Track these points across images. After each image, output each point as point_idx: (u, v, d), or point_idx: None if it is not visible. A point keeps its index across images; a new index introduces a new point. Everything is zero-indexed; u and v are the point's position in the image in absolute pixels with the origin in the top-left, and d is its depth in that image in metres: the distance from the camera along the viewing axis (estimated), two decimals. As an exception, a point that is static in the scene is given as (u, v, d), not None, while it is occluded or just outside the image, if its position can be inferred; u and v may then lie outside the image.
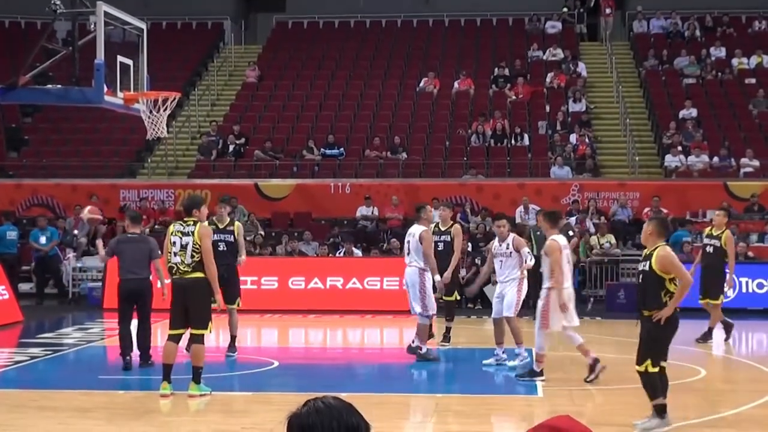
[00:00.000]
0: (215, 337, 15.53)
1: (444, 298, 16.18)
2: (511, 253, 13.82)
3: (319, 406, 3.21)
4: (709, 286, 16.64)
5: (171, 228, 11.77)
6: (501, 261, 13.99)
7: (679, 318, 10.14)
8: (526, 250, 13.99)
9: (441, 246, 15.87)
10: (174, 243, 11.52)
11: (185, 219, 11.75)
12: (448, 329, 16.32)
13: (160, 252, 13.37)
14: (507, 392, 12.68)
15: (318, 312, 20.97)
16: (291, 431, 3.20)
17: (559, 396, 12.25)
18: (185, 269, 11.44)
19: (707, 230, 17.35)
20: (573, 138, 28.77)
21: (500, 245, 14.01)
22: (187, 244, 11.43)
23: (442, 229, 16.02)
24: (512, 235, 14.10)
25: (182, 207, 12.36)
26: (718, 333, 16.83)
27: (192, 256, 11.41)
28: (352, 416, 3.23)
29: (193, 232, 11.47)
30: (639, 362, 10.00)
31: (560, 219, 13.89)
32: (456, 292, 16.62)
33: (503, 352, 14.16)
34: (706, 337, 16.70)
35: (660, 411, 9.97)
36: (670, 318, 10.07)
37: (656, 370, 10.02)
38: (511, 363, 13.98)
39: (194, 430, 10.56)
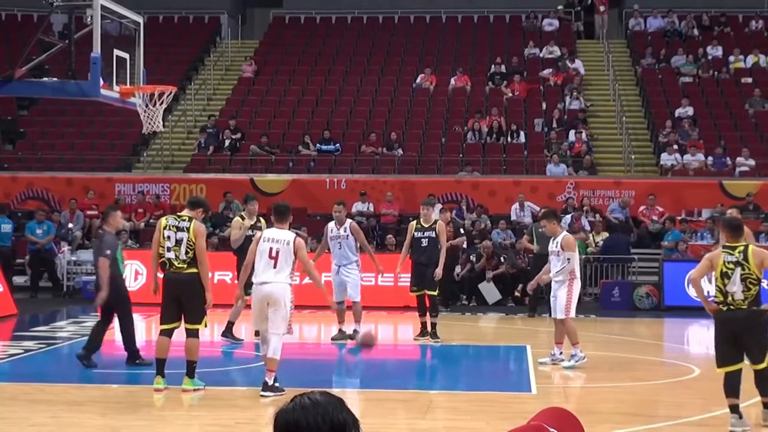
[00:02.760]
0: (210, 331, 15.52)
1: (427, 292, 16.23)
2: (559, 252, 13.78)
3: (305, 403, 3.19)
4: None
5: (163, 222, 11.66)
6: (553, 259, 13.94)
7: (721, 319, 10.12)
8: (569, 253, 13.72)
9: (425, 242, 16.01)
10: (168, 237, 11.46)
11: (179, 214, 11.72)
12: (433, 325, 16.30)
13: (108, 251, 13.06)
14: (501, 389, 12.67)
15: (313, 308, 20.97)
16: (277, 428, 3.19)
17: (554, 394, 12.27)
18: (180, 265, 11.42)
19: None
20: (572, 135, 28.74)
21: (552, 243, 13.97)
22: (181, 240, 11.40)
23: (425, 225, 16.12)
24: (564, 233, 14.00)
25: (187, 202, 12.27)
26: None
27: (186, 253, 11.39)
28: (338, 412, 3.19)
29: (188, 228, 11.44)
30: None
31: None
32: (438, 288, 16.58)
33: (560, 353, 13.98)
34: None
35: (730, 410, 10.08)
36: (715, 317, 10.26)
37: (718, 371, 10.23)
38: (566, 363, 13.76)
39: (188, 424, 10.56)
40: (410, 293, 16.45)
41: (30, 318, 19.68)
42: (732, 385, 10.02)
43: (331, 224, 16.31)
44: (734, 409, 9.99)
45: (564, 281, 13.68)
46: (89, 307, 20.99)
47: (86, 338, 16.79)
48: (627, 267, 23.59)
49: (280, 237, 11.52)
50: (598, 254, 23.62)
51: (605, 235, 24.27)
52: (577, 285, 13.82)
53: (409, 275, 16.71)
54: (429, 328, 16.32)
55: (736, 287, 9.82)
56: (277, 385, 11.34)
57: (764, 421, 10.06)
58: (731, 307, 9.88)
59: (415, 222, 16.43)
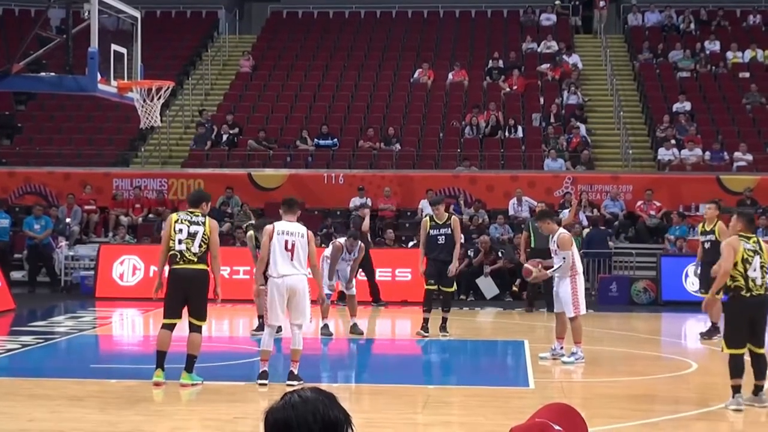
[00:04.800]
0: (207, 327, 15.53)
1: (443, 289, 16.26)
2: (556, 251, 13.75)
3: (295, 400, 3.12)
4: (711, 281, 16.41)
5: (174, 216, 11.68)
6: (554, 256, 13.89)
7: (741, 303, 10.54)
8: (564, 252, 13.65)
9: (442, 239, 15.96)
10: (180, 230, 11.43)
11: (191, 210, 11.71)
12: (444, 320, 16.31)
13: None
14: (499, 384, 12.69)
15: (311, 302, 20.97)
16: (267, 426, 3.14)
17: (551, 388, 12.29)
18: (191, 258, 11.38)
19: (700, 226, 17.04)
20: (583, 129, 28.65)
21: (551, 241, 13.94)
22: (196, 233, 11.40)
23: (440, 222, 16.08)
24: (560, 231, 13.97)
25: (189, 199, 12.27)
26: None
27: (200, 246, 11.39)
28: (329, 409, 3.12)
29: (203, 223, 11.46)
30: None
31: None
32: (454, 284, 16.69)
33: (561, 348, 13.92)
34: (711, 333, 16.48)
35: (733, 390, 10.57)
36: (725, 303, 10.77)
37: (728, 352, 10.65)
38: (566, 359, 13.68)
39: (186, 419, 10.56)
40: (426, 286, 16.31)
41: (28, 313, 19.67)
42: (740, 366, 10.54)
43: (342, 244, 16.67)
44: (738, 389, 10.50)
45: (565, 277, 13.66)
46: (87, 302, 21.02)
47: (82, 333, 16.83)
48: (606, 261, 23.60)
49: (293, 229, 11.66)
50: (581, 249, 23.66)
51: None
52: (580, 280, 13.76)
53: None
54: (426, 324, 16.33)
55: (756, 273, 10.50)
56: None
57: (758, 404, 10.54)
58: (753, 292, 10.49)
59: (428, 219, 16.37)
